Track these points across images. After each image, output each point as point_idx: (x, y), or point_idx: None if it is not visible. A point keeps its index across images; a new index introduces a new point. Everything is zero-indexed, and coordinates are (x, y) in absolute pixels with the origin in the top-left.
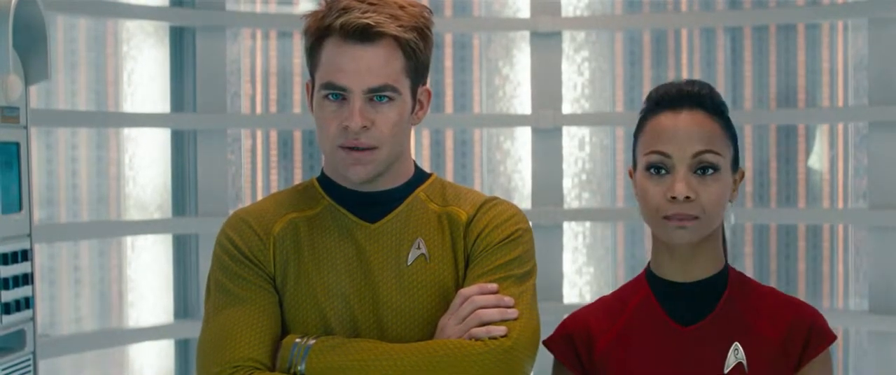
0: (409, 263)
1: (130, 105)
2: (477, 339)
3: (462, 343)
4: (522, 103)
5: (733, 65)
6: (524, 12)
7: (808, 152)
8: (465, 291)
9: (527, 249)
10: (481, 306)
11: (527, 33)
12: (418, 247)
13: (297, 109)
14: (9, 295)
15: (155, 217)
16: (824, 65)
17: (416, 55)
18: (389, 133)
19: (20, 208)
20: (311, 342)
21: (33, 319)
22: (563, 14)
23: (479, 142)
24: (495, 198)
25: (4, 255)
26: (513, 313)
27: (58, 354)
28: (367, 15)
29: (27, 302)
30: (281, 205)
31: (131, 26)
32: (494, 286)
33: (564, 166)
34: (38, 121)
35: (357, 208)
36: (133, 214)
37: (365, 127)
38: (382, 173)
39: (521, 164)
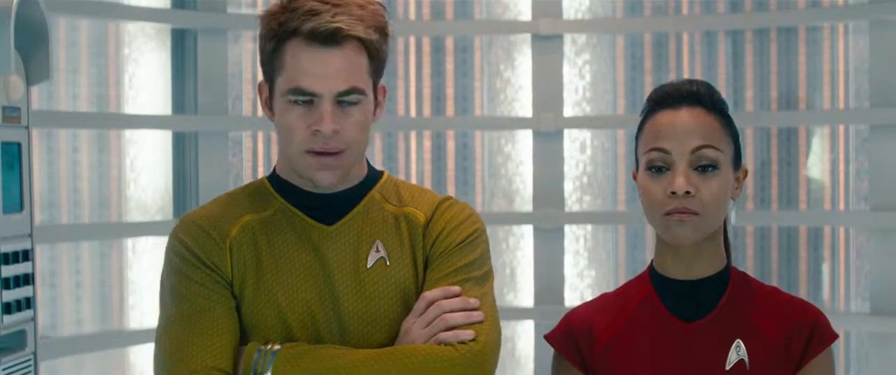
0: (368, 266)
1: (132, 107)
2: (446, 344)
3: (433, 349)
4: (523, 106)
5: (734, 68)
6: (525, 15)
7: (809, 155)
8: (428, 295)
9: (484, 250)
10: (447, 310)
11: (528, 36)
12: (377, 250)
13: None
14: (9, 295)
15: (156, 219)
16: (825, 67)
17: (379, 55)
18: (356, 136)
19: (21, 208)
20: (276, 348)
21: (34, 319)
22: (565, 17)
23: (481, 145)
24: (450, 198)
25: (5, 255)
26: (478, 316)
27: (58, 355)
28: (337, 18)
29: (28, 302)
30: (233, 207)
31: (133, 28)
32: (457, 289)
33: (566, 169)
34: (39, 123)
35: (312, 210)
36: (134, 217)
37: (336, 131)
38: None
39: (522, 167)
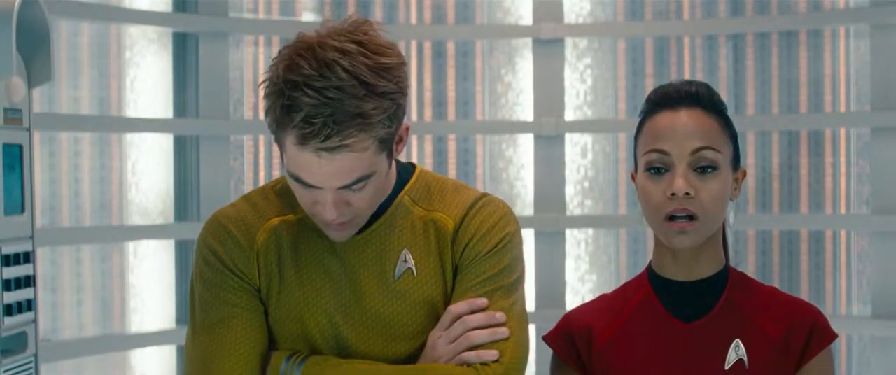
0: (396, 277)
1: (133, 111)
2: (468, 365)
3: (456, 370)
4: (525, 110)
5: (735, 72)
6: (526, 19)
7: (810, 159)
8: (454, 308)
9: (515, 255)
10: (472, 327)
11: (529, 40)
12: (405, 260)
13: None
14: (10, 297)
15: (157, 223)
16: (826, 71)
17: (390, 133)
18: (369, 203)
19: (22, 210)
20: (304, 358)
21: (35, 321)
22: (566, 21)
23: (482, 149)
24: (482, 199)
25: (6, 257)
26: (503, 332)
27: (59, 358)
28: (329, 134)
29: (29, 305)
30: (263, 209)
31: (134, 32)
32: (484, 301)
33: (567, 173)
34: (40, 125)
35: None
36: (135, 220)
37: (340, 213)
38: None
39: (523, 171)
